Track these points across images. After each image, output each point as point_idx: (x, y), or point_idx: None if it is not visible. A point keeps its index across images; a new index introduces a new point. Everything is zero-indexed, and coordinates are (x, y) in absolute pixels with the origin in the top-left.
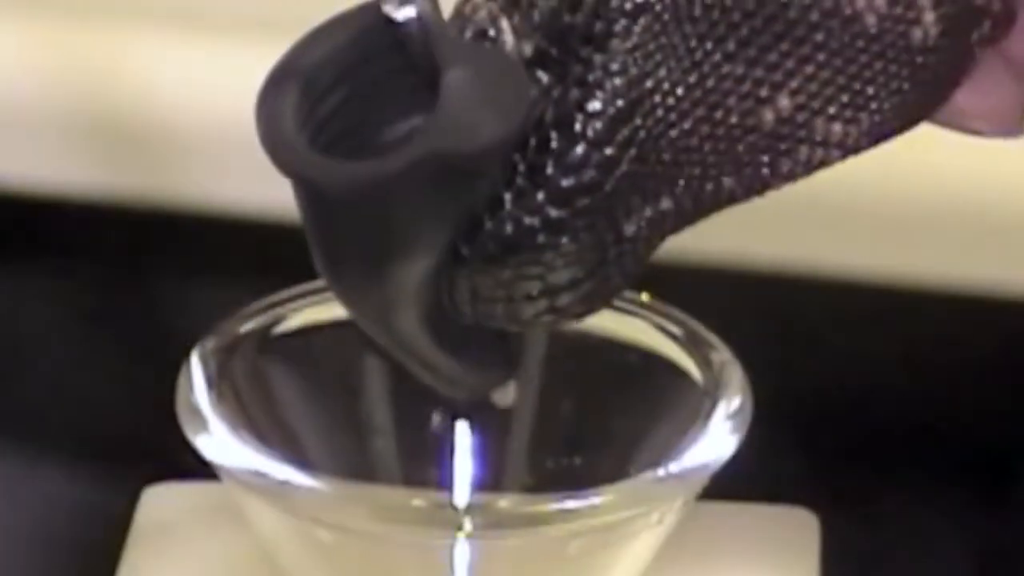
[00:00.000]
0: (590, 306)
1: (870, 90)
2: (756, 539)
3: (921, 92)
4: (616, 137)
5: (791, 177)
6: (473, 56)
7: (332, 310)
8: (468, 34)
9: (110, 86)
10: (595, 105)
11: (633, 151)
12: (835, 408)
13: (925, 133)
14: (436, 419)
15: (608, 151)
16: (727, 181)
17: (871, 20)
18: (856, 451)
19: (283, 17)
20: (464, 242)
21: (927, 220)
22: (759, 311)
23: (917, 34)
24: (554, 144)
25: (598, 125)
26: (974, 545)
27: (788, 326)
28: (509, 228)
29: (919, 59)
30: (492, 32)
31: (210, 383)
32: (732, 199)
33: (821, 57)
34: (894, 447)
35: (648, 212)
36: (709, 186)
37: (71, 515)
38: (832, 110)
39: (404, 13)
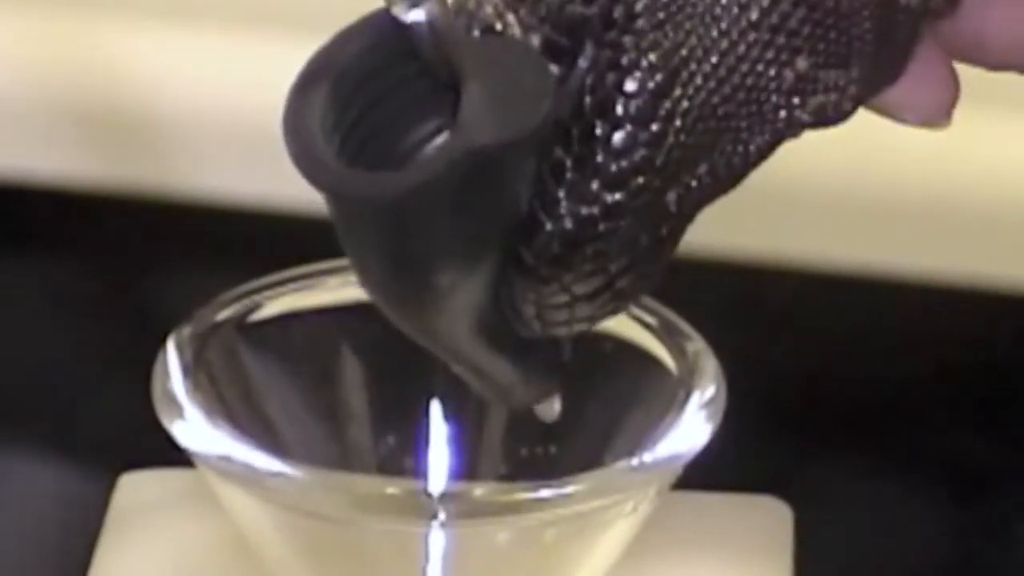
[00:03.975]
0: (647, 285)
1: (858, 45)
2: (730, 529)
3: (893, 51)
4: (659, 112)
5: (801, 128)
6: (488, 50)
7: (308, 298)
8: (475, 31)
9: (90, 77)
10: (633, 85)
11: (678, 122)
12: (809, 398)
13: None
14: (412, 408)
15: (654, 127)
16: (755, 142)
17: None
18: (829, 442)
19: (265, 11)
20: (526, 249)
21: (902, 211)
22: (733, 301)
23: None
24: (598, 131)
25: (640, 103)
26: (946, 534)
27: (761, 316)
28: (569, 223)
29: (899, 17)
30: (499, 27)
31: (186, 370)
32: (756, 161)
33: (830, 20)
34: (867, 438)
35: (693, 183)
36: (740, 148)
37: (48, 501)
38: (833, 60)
39: (413, 16)
